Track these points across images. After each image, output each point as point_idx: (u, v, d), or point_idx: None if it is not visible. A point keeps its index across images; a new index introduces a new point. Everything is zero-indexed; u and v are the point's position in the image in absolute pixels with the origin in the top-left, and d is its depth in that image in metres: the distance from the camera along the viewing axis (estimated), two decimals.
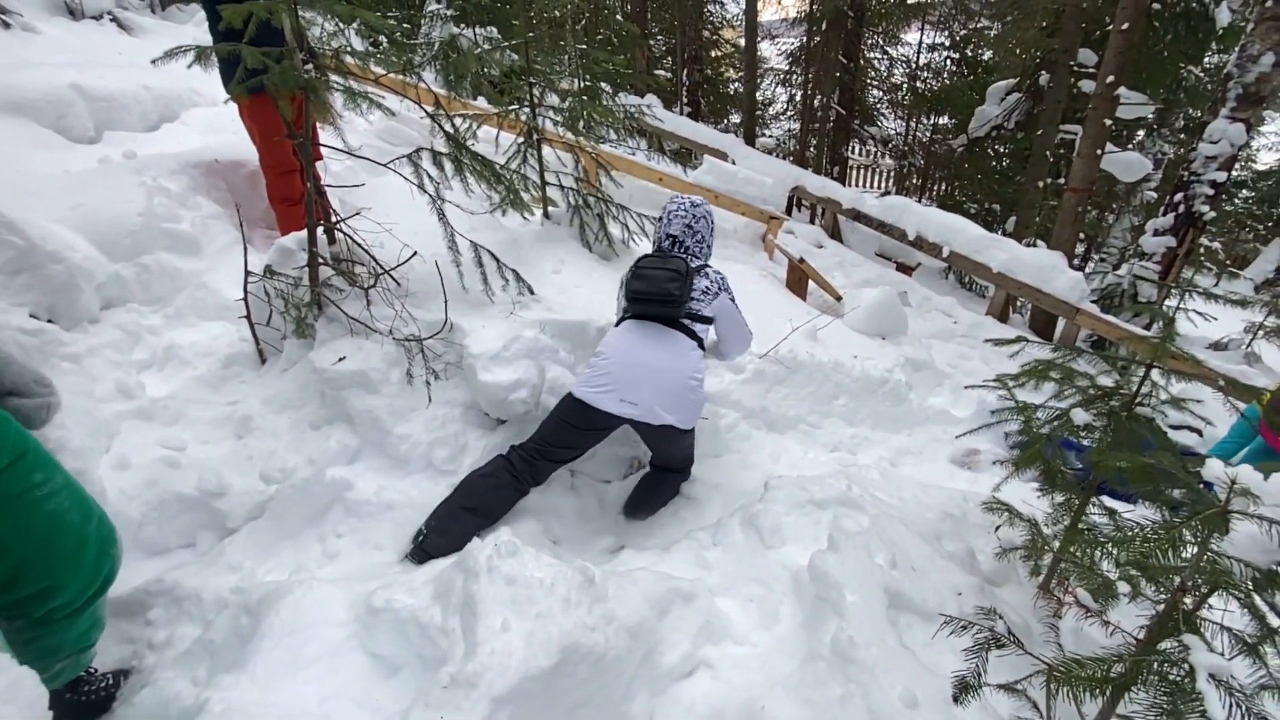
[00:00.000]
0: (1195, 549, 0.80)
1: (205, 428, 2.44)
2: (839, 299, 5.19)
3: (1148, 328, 6.35)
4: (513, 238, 3.75)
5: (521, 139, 3.93)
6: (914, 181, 11.63)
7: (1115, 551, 0.88)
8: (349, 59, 2.63)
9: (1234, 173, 6.28)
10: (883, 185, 12.92)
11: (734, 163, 7.92)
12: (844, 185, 10.22)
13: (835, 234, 7.65)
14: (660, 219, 2.64)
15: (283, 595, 1.73)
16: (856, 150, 12.34)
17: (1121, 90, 5.64)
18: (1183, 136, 9.18)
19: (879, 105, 11.85)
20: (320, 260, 2.69)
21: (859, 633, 1.51)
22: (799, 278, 5.41)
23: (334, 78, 2.48)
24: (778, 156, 12.88)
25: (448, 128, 2.78)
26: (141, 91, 4.53)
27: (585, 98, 5.99)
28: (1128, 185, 8.68)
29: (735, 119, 13.41)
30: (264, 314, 2.79)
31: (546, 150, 4.38)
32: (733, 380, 3.22)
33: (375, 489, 2.28)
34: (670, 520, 2.46)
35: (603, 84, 6.02)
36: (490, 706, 1.25)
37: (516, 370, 2.43)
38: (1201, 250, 8.19)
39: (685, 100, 12.51)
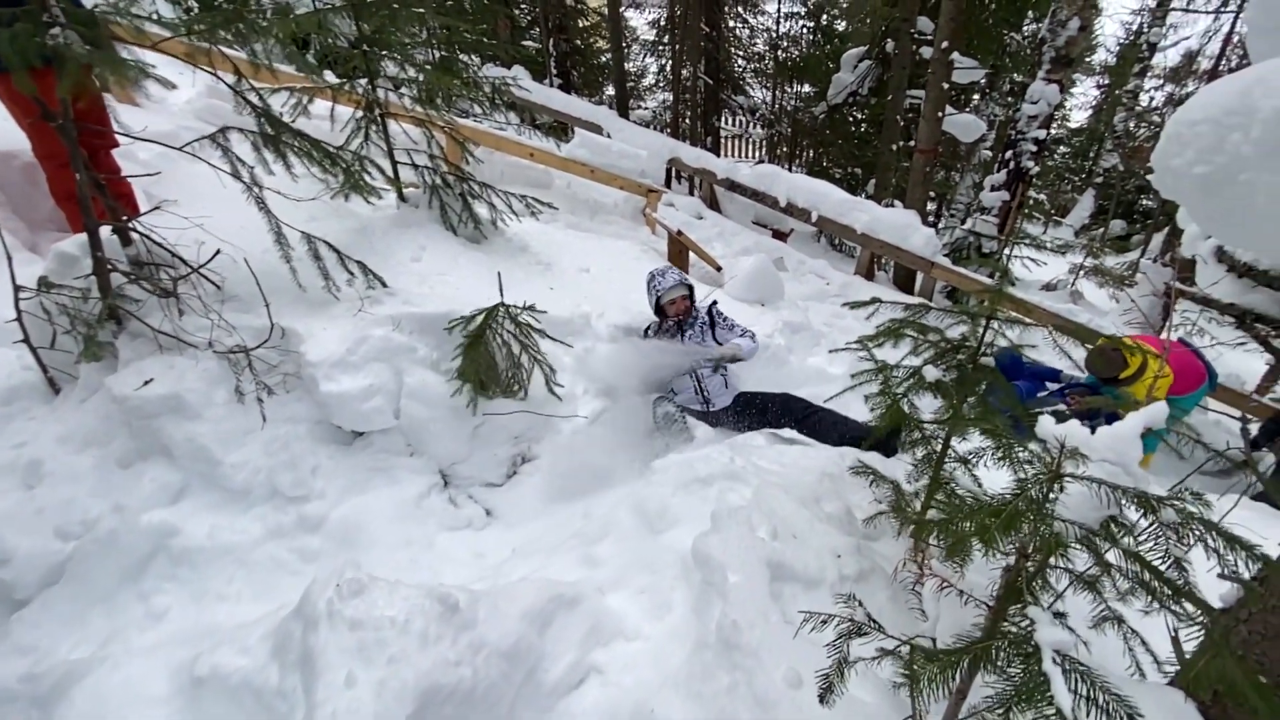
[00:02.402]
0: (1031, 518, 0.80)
1: None
2: (719, 269, 5.24)
3: (992, 276, 7.02)
4: (362, 225, 3.39)
5: (361, 114, 3.53)
6: (784, 149, 12.05)
7: (960, 527, 0.88)
8: (121, 21, 2.18)
9: (1052, 131, 7.01)
10: (756, 154, 13.30)
11: (609, 136, 7.76)
12: (718, 155, 10.39)
13: (713, 204, 7.74)
14: None
15: (80, 678, 1.43)
16: (728, 120, 12.55)
17: (955, 56, 6.07)
18: (1010, 99, 10.14)
19: (744, 75, 12.09)
20: (111, 266, 2.25)
21: (743, 615, 1.48)
22: (679, 250, 5.40)
23: (98, 47, 2.04)
24: (654, 129, 12.85)
25: (255, 102, 2.39)
26: None
27: (442, 69, 5.55)
28: (967, 145, 9.48)
29: (611, 91, 13.17)
30: (47, 335, 2.31)
31: (399, 127, 4.00)
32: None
33: (207, 530, 1.96)
34: (561, 518, 2.34)
35: (463, 55, 5.61)
36: None
37: (366, 376, 2.17)
38: (1030, 202, 9.17)
39: (555, 72, 12.09)
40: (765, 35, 11.67)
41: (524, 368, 2.63)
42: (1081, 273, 10.63)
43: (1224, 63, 12.45)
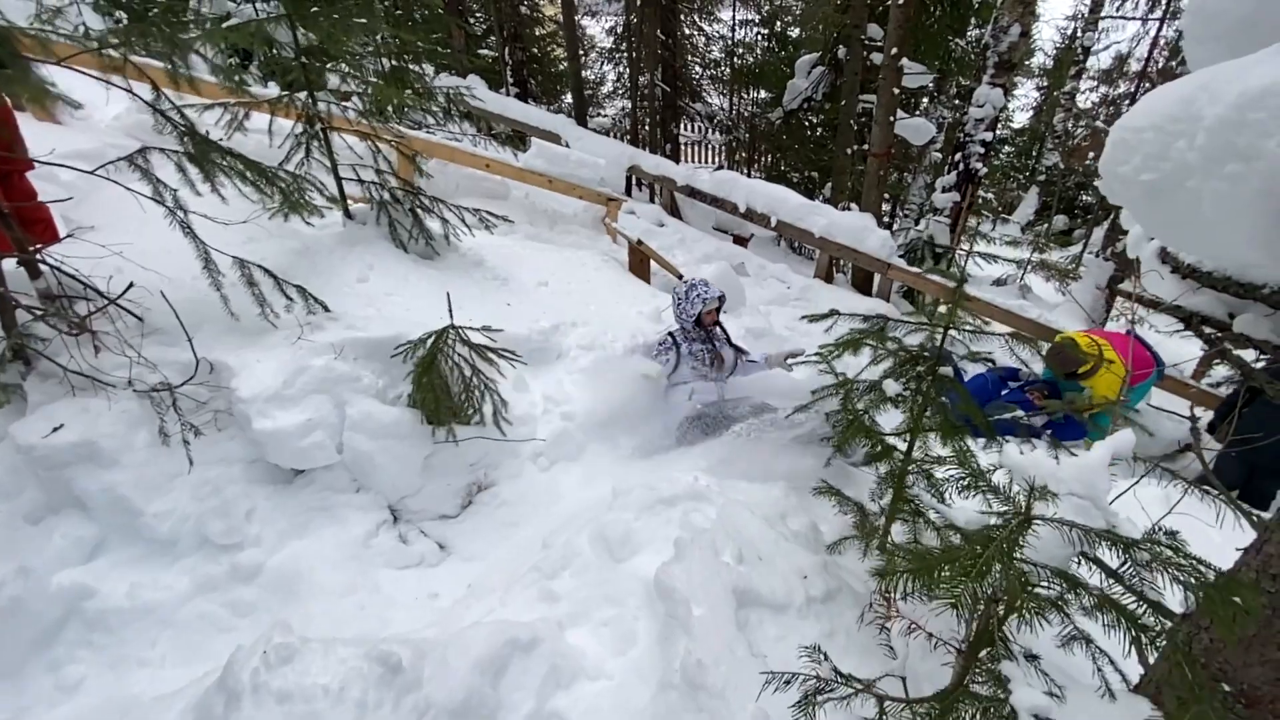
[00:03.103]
0: (999, 566, 0.76)
1: None
2: (681, 277, 5.19)
3: (950, 273, 7.19)
4: (305, 245, 3.23)
5: (302, 128, 3.36)
6: (742, 155, 12.14)
7: (927, 578, 0.83)
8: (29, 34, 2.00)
9: (998, 132, 7.21)
10: (715, 160, 13.38)
11: (567, 145, 7.67)
12: (678, 162, 10.40)
13: (674, 211, 7.72)
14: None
15: None
16: (687, 127, 12.60)
17: (904, 61, 6.18)
18: (957, 102, 10.43)
19: (702, 82, 12.16)
20: (15, 302, 2.06)
21: (708, 652, 1.41)
22: (641, 260, 5.34)
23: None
24: (613, 136, 12.81)
25: (177, 119, 2.24)
26: None
27: (393, 80, 5.38)
28: (919, 147, 9.70)
29: (569, 99, 13.10)
30: None
31: (345, 141, 3.83)
32: (569, 380, 3.02)
33: (127, 589, 1.79)
34: (519, 548, 2.23)
35: (413, 65, 5.45)
36: None
37: (305, 410, 2.03)
38: (980, 202, 9.43)
39: (511, 81, 11.96)
40: (721, 43, 11.76)
41: (478, 390, 2.52)
42: (1029, 268, 11.00)
43: (1152, 64, 13.11)
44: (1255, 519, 1.27)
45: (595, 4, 14.56)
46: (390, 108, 3.91)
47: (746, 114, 11.84)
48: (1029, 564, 0.76)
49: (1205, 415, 5.01)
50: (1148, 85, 13.37)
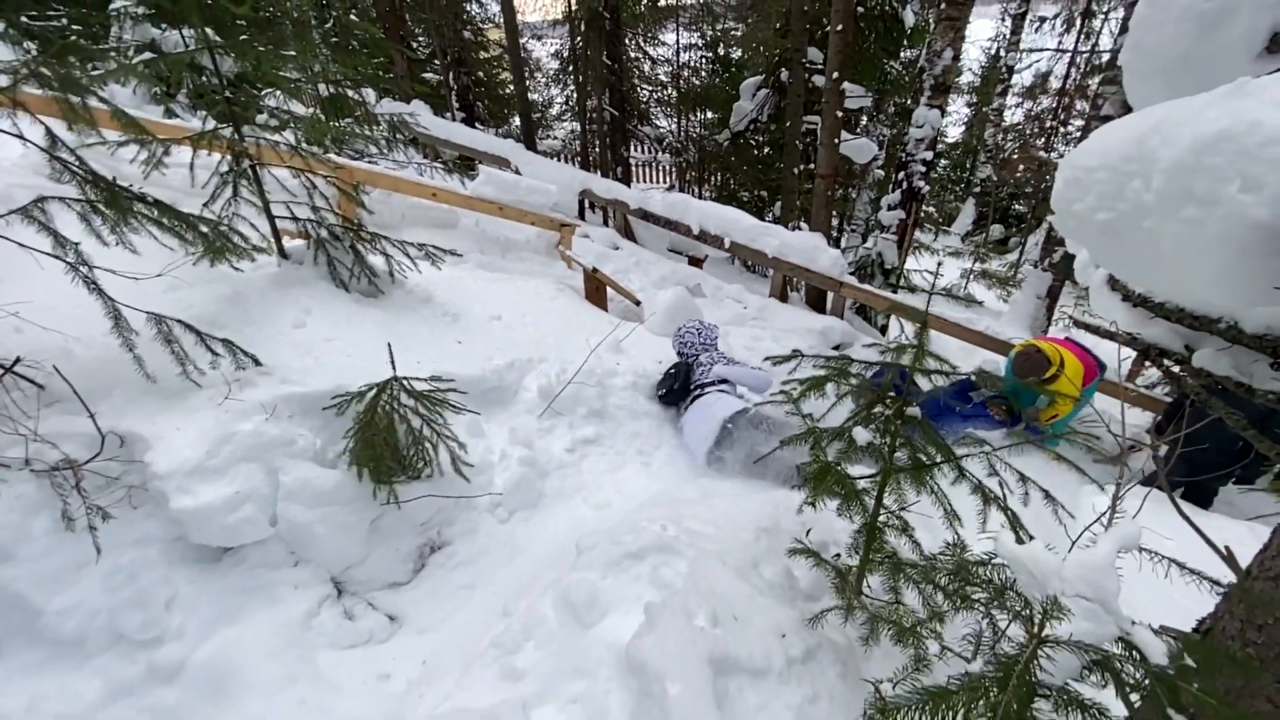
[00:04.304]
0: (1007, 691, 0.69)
1: None
2: (638, 303, 5.13)
3: (894, 289, 7.37)
4: (235, 291, 3.01)
5: (228, 166, 3.15)
6: (693, 175, 12.28)
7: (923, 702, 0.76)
8: None
9: (937, 149, 7.49)
10: (666, 180, 13.49)
11: (517, 170, 7.57)
12: (629, 184, 10.43)
13: (629, 234, 7.69)
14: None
15: None
16: (636, 148, 12.68)
17: (846, 85, 6.35)
18: (895, 120, 10.82)
19: (649, 104, 12.28)
20: None
21: None
22: (597, 287, 5.26)
23: None
24: (564, 159, 12.77)
25: (74, 165, 2.04)
26: None
27: (332, 108, 5.17)
28: (862, 166, 10.00)
29: (517, 122, 13.02)
30: None
31: (275, 175, 3.62)
32: (531, 421, 2.89)
33: (27, 702, 1.56)
34: (477, 615, 2.08)
35: (353, 92, 5.26)
36: None
37: (232, 482, 1.84)
38: (923, 216, 9.76)
39: (457, 105, 11.81)
40: (667, 66, 11.91)
41: (429, 441, 2.37)
42: (971, 276, 11.46)
43: (1069, 81, 13.99)
44: (1232, 560, 1.26)
45: (540, 28, 14.61)
46: (328, 138, 3.74)
47: (695, 135, 12.00)
48: (1040, 684, 0.69)
49: (1144, 419, 5.23)
50: (1067, 100, 14.27)
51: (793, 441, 1.66)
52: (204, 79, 3.16)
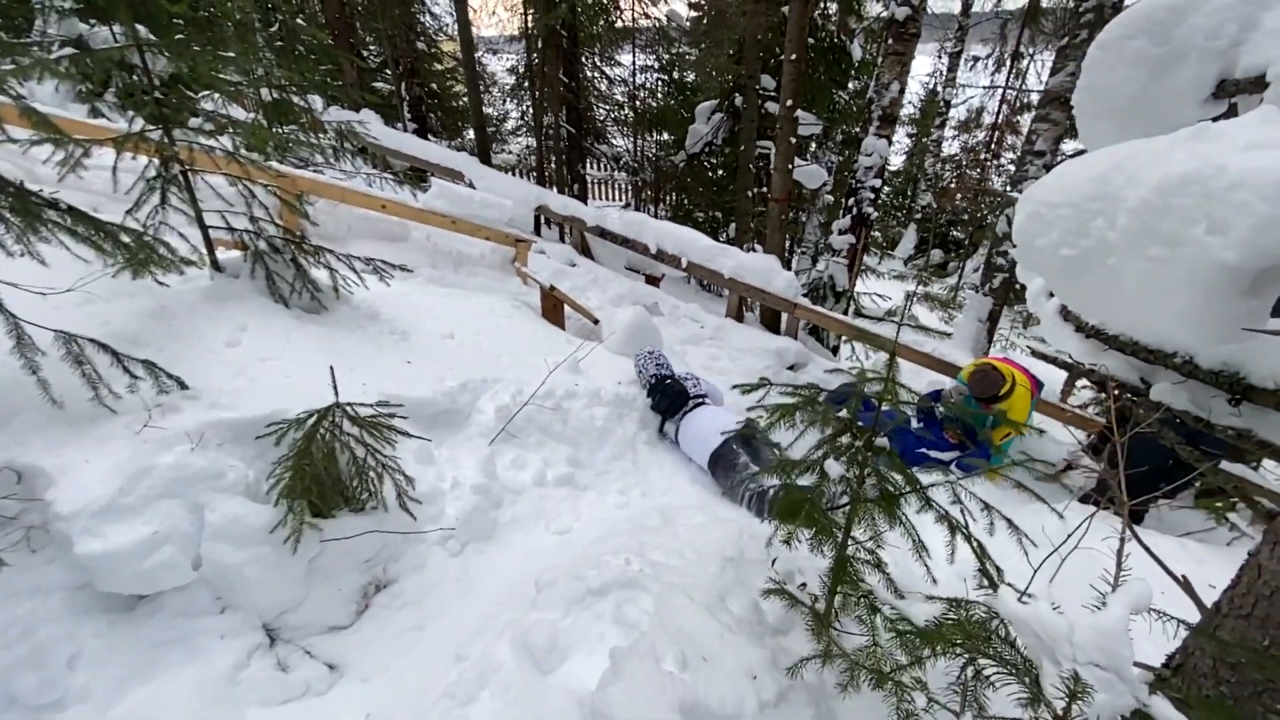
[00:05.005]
0: None
1: None
2: (596, 322, 5.06)
3: (845, 311, 7.58)
4: (160, 306, 2.78)
5: (155, 171, 2.92)
6: (649, 193, 12.37)
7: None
8: None
9: (885, 178, 7.78)
10: (621, 198, 13.54)
11: (471, 184, 7.42)
12: (586, 200, 10.39)
13: (585, 250, 7.63)
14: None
15: None
16: (592, 167, 12.69)
17: (799, 112, 6.53)
18: (842, 148, 11.22)
19: (606, 123, 12.33)
20: None
21: None
22: (554, 305, 5.16)
23: None
24: (519, 173, 12.65)
25: None
26: None
27: (275, 114, 4.96)
28: (812, 190, 10.30)
29: (472, 135, 12.83)
30: None
31: (214, 181, 3.38)
32: (484, 445, 2.77)
33: None
34: (426, 660, 1.93)
35: (299, 99, 5.04)
36: None
37: (149, 521, 1.65)
38: (871, 242, 10.12)
39: (410, 116, 11.55)
40: (623, 86, 12.02)
41: (374, 471, 2.21)
42: (915, 299, 11.94)
43: (1000, 116, 14.94)
44: (1188, 588, 1.28)
45: (495, 42, 14.51)
46: (271, 145, 3.53)
47: (651, 155, 12.11)
48: None
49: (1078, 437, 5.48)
50: (998, 134, 15.20)
51: (768, 472, 1.62)
52: (135, 78, 2.93)
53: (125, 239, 2.43)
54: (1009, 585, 1.12)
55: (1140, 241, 1.12)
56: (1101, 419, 5.13)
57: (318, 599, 1.96)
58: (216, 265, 3.19)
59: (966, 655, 0.87)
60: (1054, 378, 6.69)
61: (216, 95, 3.18)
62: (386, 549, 2.17)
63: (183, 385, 2.17)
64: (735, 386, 1.88)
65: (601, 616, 1.83)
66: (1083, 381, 6.69)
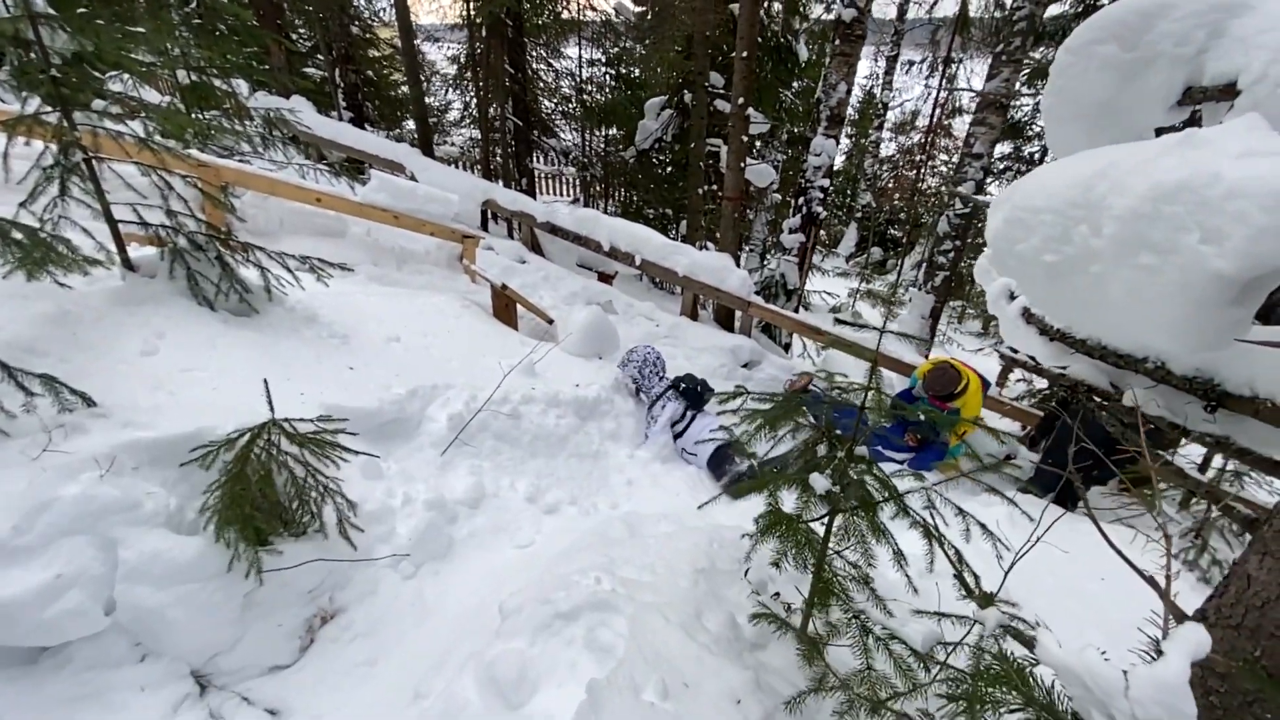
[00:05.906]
0: None
1: None
2: (551, 322, 4.91)
3: (795, 309, 7.70)
4: (61, 310, 2.47)
5: (54, 159, 2.59)
6: (598, 189, 12.21)
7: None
8: None
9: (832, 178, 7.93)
10: (571, 194, 13.33)
11: (413, 176, 7.08)
12: (534, 195, 10.16)
13: (535, 247, 7.43)
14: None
15: None
16: (541, 160, 12.43)
17: (750, 111, 6.54)
18: (788, 148, 11.41)
19: (553, 116, 12.08)
20: None
21: None
22: (505, 304, 4.98)
23: None
24: (464, 166, 12.25)
25: None
26: None
27: (194, 98, 4.58)
28: (760, 189, 10.42)
29: (411, 126, 12.31)
30: None
31: (124, 171, 3.04)
32: (437, 456, 2.61)
33: None
34: (381, 696, 1.78)
35: (221, 82, 4.66)
36: None
37: (51, 563, 1.43)
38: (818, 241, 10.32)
39: (345, 105, 10.96)
40: (570, 79, 11.79)
41: (315, 492, 2.02)
42: (858, 296, 12.30)
43: (934, 119, 15.58)
44: (1155, 586, 1.29)
45: (436, 30, 13.98)
46: (190, 132, 3.22)
47: (600, 151, 11.96)
48: None
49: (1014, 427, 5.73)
50: (933, 137, 15.83)
51: (744, 489, 1.56)
52: (32, 56, 2.59)
53: (17, 235, 2.15)
54: (1026, 620, 1.08)
55: (1129, 249, 1.10)
56: (1037, 411, 5.39)
57: (256, 637, 1.77)
58: (129, 264, 2.89)
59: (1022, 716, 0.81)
60: (990, 371, 7.02)
61: (126, 76, 2.87)
62: (332, 576, 1.99)
63: (89, 402, 1.91)
64: (715, 396, 1.81)
65: (573, 642, 1.73)
66: (1015, 375, 7.03)
